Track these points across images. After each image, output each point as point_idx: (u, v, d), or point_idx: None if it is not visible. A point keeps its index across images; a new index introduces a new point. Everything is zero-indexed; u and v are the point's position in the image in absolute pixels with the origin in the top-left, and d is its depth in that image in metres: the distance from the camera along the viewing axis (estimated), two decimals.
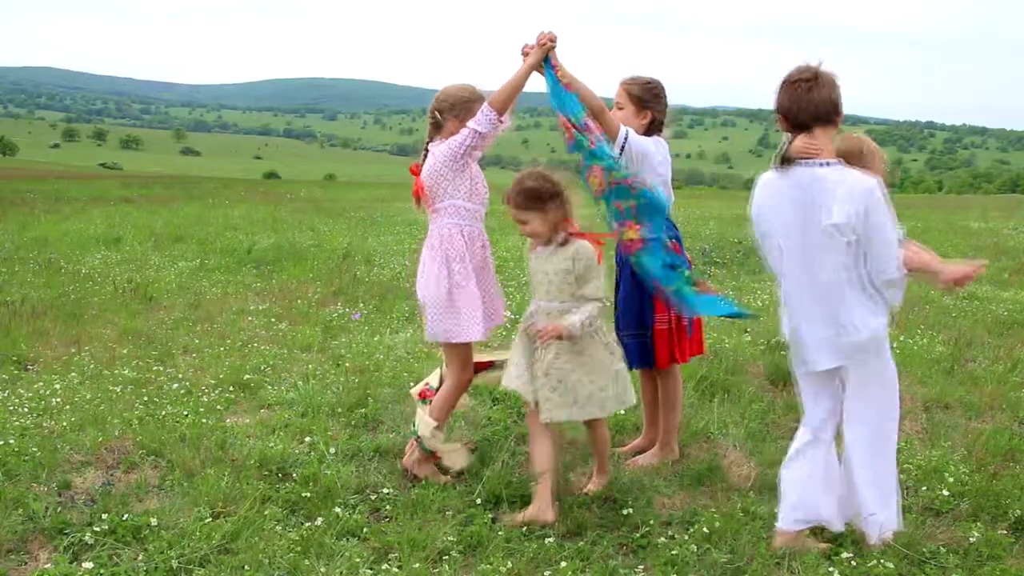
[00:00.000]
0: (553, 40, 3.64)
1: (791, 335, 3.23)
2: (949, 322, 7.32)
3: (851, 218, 2.96)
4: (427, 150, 3.81)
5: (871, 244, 3.00)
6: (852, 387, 3.17)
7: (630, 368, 4.19)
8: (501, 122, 3.63)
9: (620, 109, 3.88)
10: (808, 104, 3.03)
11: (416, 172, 3.79)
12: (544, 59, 3.64)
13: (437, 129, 3.79)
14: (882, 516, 3.19)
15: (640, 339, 3.99)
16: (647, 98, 3.87)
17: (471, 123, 3.61)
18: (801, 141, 3.05)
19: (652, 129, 3.89)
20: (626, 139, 3.73)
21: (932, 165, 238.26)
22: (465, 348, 3.82)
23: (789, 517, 3.21)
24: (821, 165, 3.03)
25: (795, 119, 3.07)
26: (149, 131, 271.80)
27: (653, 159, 3.82)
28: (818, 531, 3.29)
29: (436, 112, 3.78)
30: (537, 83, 3.76)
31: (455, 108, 3.71)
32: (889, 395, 3.20)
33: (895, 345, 6.34)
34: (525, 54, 3.67)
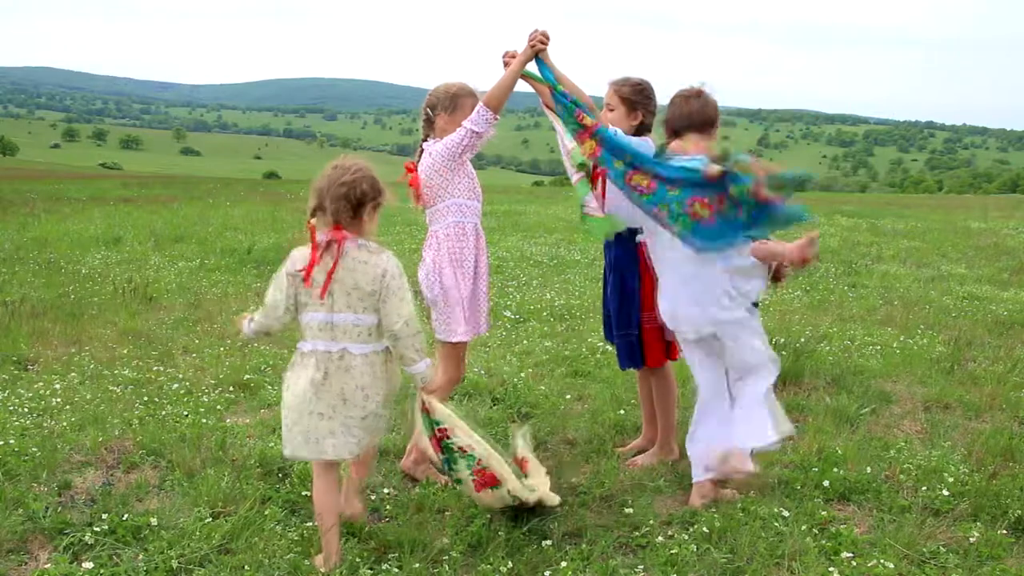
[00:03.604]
0: (545, 40, 3.64)
1: None
2: (949, 322, 7.32)
3: None
4: (422, 149, 3.83)
5: None
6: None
7: (623, 369, 4.17)
8: (496, 120, 3.67)
9: (611, 111, 3.89)
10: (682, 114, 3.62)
11: (412, 169, 3.81)
12: (535, 59, 3.66)
13: (430, 125, 3.84)
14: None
15: (628, 339, 4.00)
16: (637, 99, 3.88)
17: (467, 123, 3.64)
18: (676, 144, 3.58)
19: (642, 130, 3.90)
20: None
21: (932, 165, 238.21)
22: (460, 347, 3.83)
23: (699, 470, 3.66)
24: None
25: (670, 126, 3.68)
26: (149, 131, 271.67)
27: None
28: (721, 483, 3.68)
29: (428, 109, 3.83)
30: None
31: (443, 103, 3.76)
32: None
33: (895, 345, 6.35)
34: (506, 63, 3.70)
